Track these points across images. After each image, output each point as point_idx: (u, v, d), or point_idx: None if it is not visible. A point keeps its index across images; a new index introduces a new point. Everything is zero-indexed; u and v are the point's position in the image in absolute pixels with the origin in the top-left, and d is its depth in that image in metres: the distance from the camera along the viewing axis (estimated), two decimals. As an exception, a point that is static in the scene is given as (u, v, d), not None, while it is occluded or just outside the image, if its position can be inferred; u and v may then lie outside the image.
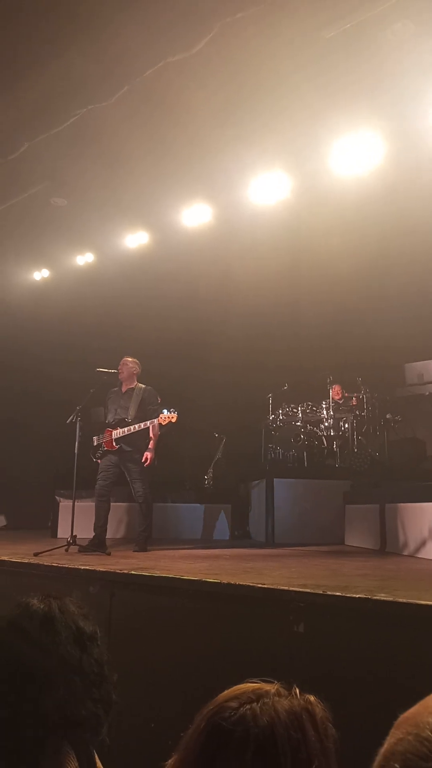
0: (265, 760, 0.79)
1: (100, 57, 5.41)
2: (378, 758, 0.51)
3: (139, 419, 5.73)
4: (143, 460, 5.65)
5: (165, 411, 5.54)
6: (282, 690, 0.89)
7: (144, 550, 5.49)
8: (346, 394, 8.06)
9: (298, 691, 0.89)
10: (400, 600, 2.34)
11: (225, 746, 0.81)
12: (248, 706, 0.84)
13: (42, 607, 1.30)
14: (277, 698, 0.86)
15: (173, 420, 5.48)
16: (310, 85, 5.46)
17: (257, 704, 0.84)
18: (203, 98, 5.78)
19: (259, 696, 0.86)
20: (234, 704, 0.85)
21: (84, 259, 8.99)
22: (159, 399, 5.92)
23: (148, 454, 5.65)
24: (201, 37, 5.15)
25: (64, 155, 6.60)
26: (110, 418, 5.94)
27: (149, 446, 5.68)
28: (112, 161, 6.73)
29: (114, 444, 5.73)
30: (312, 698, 0.89)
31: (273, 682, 0.92)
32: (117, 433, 5.74)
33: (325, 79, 5.42)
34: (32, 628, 1.24)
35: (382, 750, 0.51)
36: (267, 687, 0.89)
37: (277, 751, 0.79)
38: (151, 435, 5.68)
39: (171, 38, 5.19)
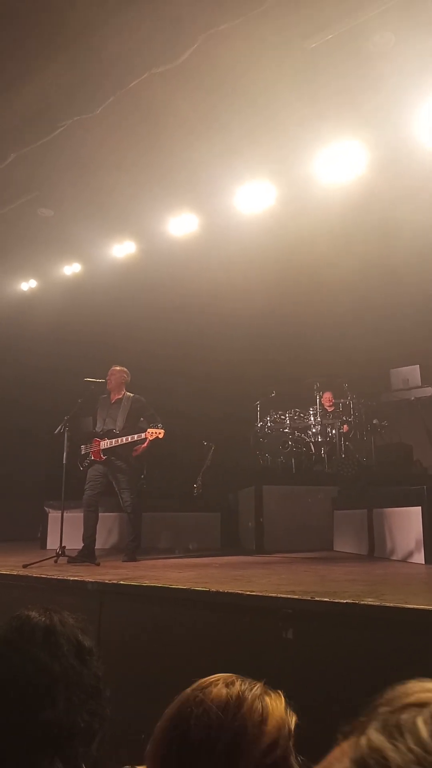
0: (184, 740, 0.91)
1: (85, 69, 5.45)
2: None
3: (127, 430, 5.72)
4: (134, 452, 5.63)
5: (153, 426, 5.57)
6: (236, 682, 0.94)
7: (133, 560, 5.47)
8: (335, 401, 8.11)
9: (253, 685, 0.93)
10: (388, 604, 2.35)
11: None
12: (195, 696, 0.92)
13: (43, 619, 1.31)
14: (217, 687, 0.91)
15: (160, 436, 5.48)
16: (294, 94, 5.54)
17: (201, 692, 0.92)
18: (188, 108, 5.84)
19: (207, 685, 0.92)
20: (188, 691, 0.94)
21: (71, 269, 9.00)
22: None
23: (139, 448, 5.65)
24: (185, 48, 5.21)
25: (50, 166, 6.62)
26: (99, 427, 5.93)
27: (138, 449, 5.68)
28: (98, 171, 6.77)
29: (101, 455, 5.72)
30: (258, 688, 0.93)
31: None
32: (105, 444, 5.72)
33: (308, 88, 5.50)
34: (35, 641, 1.24)
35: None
36: (215, 678, 0.95)
37: (189, 726, 0.90)
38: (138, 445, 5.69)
39: (155, 50, 5.24)
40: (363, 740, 0.44)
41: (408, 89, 5.53)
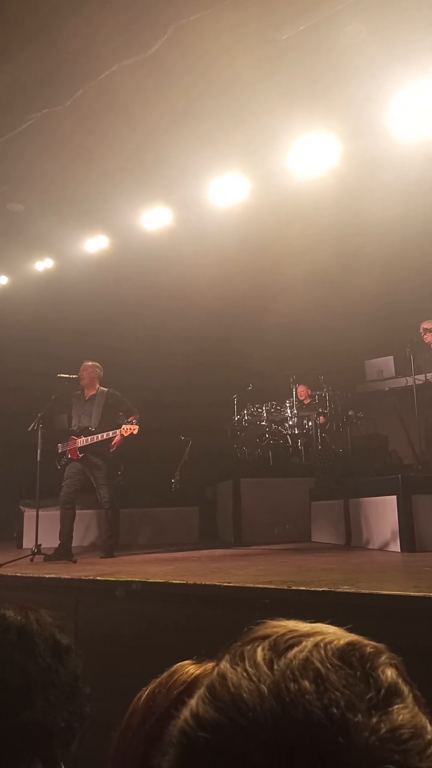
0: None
1: (53, 61, 5.36)
2: None
3: (103, 426, 5.67)
4: (113, 443, 5.59)
5: (128, 422, 5.52)
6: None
7: (111, 556, 5.43)
8: (311, 393, 8.16)
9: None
10: (363, 591, 2.37)
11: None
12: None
13: (18, 618, 1.28)
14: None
15: (135, 432, 5.45)
16: (266, 85, 5.52)
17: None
18: (159, 100, 5.79)
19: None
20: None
21: (43, 264, 8.87)
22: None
23: (114, 444, 5.60)
24: (155, 39, 5.16)
25: (19, 160, 6.51)
26: (74, 424, 5.87)
27: (114, 445, 5.63)
28: (69, 165, 6.67)
29: (78, 453, 5.66)
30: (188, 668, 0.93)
31: None
32: (81, 441, 5.67)
33: (280, 79, 5.49)
34: (9, 641, 1.22)
35: None
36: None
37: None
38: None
39: (125, 41, 5.18)
40: (215, 669, 0.51)
41: (380, 81, 5.55)
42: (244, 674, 0.47)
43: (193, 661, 0.93)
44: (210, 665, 0.85)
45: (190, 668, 0.90)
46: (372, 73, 5.46)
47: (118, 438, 5.54)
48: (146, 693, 0.91)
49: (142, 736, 0.85)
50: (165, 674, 0.91)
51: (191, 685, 0.85)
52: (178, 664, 0.93)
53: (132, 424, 5.48)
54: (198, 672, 0.88)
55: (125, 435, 5.46)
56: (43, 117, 5.88)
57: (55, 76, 5.50)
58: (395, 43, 5.17)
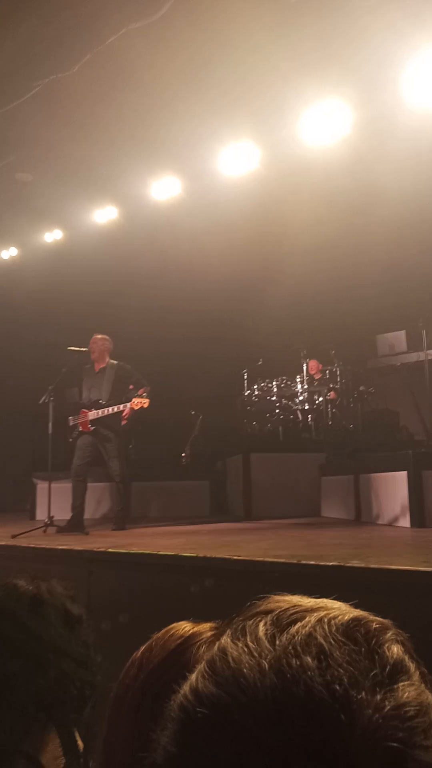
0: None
1: (60, 26, 5.22)
2: None
3: (114, 399, 5.67)
4: (123, 415, 5.61)
5: (138, 395, 5.51)
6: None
7: (122, 528, 5.48)
8: (323, 368, 8.10)
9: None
10: (372, 566, 2.37)
11: None
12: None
13: (30, 588, 1.30)
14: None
15: (145, 405, 5.44)
16: (277, 50, 5.35)
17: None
18: (167, 65, 5.64)
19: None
20: None
21: (52, 236, 8.81)
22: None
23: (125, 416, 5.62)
24: (163, 2, 5.00)
25: (27, 128, 6.40)
26: (85, 397, 5.88)
27: (125, 417, 5.64)
28: (77, 133, 6.55)
29: (89, 426, 5.68)
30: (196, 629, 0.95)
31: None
32: (92, 414, 5.68)
33: (291, 43, 5.31)
34: (21, 610, 1.24)
35: None
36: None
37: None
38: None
39: (132, 4, 5.04)
40: (216, 644, 0.50)
41: (394, 45, 5.37)
42: (245, 649, 0.47)
43: (190, 621, 0.97)
44: (206, 625, 0.90)
45: (186, 626, 0.96)
46: (386, 37, 5.27)
47: (128, 411, 5.55)
48: (144, 646, 0.97)
49: (138, 684, 0.92)
50: (162, 631, 0.97)
51: (187, 640, 0.90)
52: (176, 623, 0.98)
53: (142, 397, 5.48)
54: (194, 629, 0.93)
55: (135, 408, 5.46)
56: (50, 83, 5.75)
57: (62, 42, 5.36)
58: (411, 5, 4.98)
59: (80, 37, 5.36)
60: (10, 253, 9.29)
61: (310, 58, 5.47)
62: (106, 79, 5.77)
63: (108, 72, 5.66)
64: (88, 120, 6.33)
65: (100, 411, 5.65)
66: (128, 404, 5.51)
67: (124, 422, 5.68)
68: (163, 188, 7.57)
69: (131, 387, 5.85)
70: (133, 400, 5.48)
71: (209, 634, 0.91)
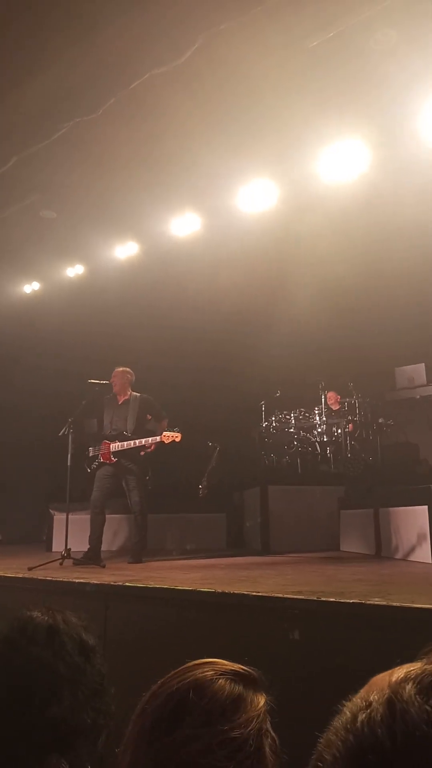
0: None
1: (87, 70, 5.43)
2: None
3: (138, 431, 5.70)
4: (148, 447, 5.60)
5: (165, 428, 5.55)
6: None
7: (139, 561, 5.45)
8: (341, 400, 8.08)
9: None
10: (394, 604, 2.33)
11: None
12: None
13: (46, 619, 1.32)
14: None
15: (177, 440, 5.45)
16: (296, 93, 5.51)
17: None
18: (189, 109, 5.82)
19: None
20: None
21: (74, 270, 9.00)
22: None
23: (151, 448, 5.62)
24: (186, 48, 5.19)
25: (52, 168, 6.62)
26: (106, 428, 5.90)
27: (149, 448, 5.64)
28: (100, 173, 6.76)
29: (112, 457, 5.69)
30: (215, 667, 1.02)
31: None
32: (116, 446, 5.69)
33: (310, 87, 5.48)
34: (38, 640, 1.25)
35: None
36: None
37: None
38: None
39: (156, 50, 5.23)
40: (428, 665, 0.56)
41: (411, 86, 5.49)
42: None
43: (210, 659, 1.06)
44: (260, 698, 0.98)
45: (190, 665, 1.06)
46: (403, 78, 5.40)
47: (154, 445, 5.56)
48: (160, 681, 1.08)
49: (157, 714, 1.01)
50: (183, 666, 1.08)
51: (188, 684, 1.00)
52: (188, 663, 1.07)
53: (170, 430, 5.48)
54: (198, 675, 1.02)
55: (167, 442, 5.46)
56: (75, 126, 5.97)
57: (87, 86, 5.58)
58: (426, 47, 5.11)
59: (105, 82, 5.57)
60: (33, 287, 9.49)
61: (329, 101, 5.61)
62: (130, 122, 5.97)
63: (131, 114, 5.86)
64: (111, 160, 6.53)
65: (125, 443, 5.66)
66: (159, 437, 5.51)
67: (142, 453, 5.70)
68: (183, 225, 7.73)
69: (149, 417, 5.89)
70: (165, 433, 5.48)
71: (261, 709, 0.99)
